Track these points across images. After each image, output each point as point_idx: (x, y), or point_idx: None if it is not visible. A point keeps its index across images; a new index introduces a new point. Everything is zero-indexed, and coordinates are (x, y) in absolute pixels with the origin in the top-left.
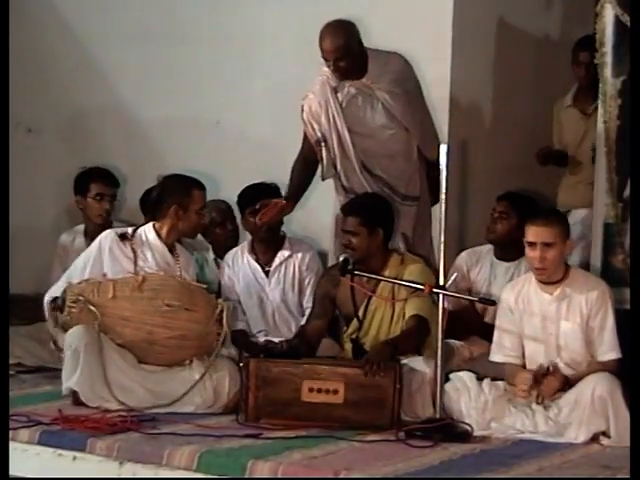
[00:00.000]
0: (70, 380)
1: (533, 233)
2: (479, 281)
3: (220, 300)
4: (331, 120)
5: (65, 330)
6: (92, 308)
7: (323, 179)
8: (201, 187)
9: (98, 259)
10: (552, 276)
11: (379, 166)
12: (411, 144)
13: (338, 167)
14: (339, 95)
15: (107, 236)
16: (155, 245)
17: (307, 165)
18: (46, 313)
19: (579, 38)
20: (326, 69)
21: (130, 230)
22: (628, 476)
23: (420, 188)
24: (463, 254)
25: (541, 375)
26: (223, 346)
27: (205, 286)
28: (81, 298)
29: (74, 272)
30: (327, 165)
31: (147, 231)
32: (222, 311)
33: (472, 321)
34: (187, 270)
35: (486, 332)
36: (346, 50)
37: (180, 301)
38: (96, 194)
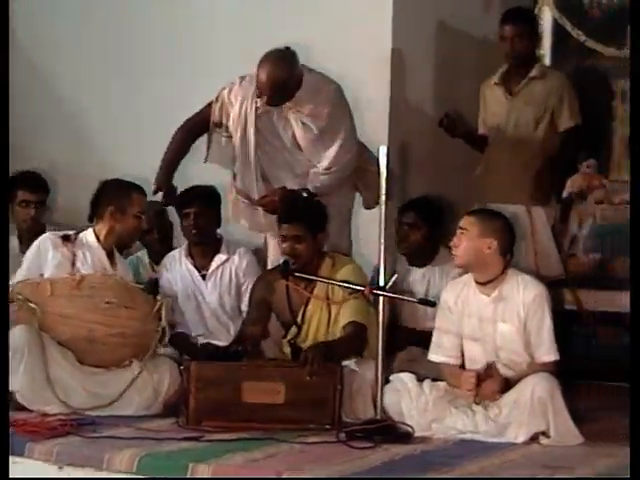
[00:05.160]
0: (12, 381)
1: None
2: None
3: (159, 297)
4: (242, 117)
5: None
6: (32, 305)
7: (205, 161)
8: (140, 191)
9: (36, 262)
10: (471, 269)
11: (279, 182)
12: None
13: (236, 166)
14: (258, 101)
15: (45, 239)
16: (93, 248)
17: (195, 131)
18: None
19: (503, 12)
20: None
21: (73, 233)
22: (567, 476)
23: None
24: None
25: (484, 375)
26: (161, 343)
27: (142, 286)
28: (19, 296)
29: (17, 277)
30: (217, 152)
31: (87, 234)
32: (161, 308)
33: (406, 333)
34: (124, 277)
35: (421, 340)
36: (283, 85)
37: (119, 299)
38: (21, 201)
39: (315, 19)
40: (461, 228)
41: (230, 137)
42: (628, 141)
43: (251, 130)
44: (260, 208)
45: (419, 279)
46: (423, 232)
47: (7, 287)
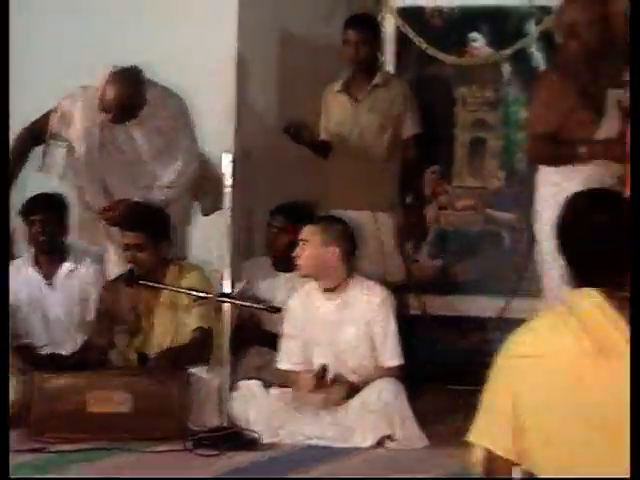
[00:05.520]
0: None
1: None
2: (261, 293)
3: None
4: (85, 130)
5: None
6: None
7: (39, 171)
8: None
9: None
10: (316, 277)
11: (122, 195)
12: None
13: (81, 179)
14: (102, 114)
15: None
16: None
17: (32, 140)
18: None
19: (347, 17)
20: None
21: None
22: (410, 476)
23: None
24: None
25: (321, 377)
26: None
27: None
28: None
29: None
30: (53, 163)
31: None
32: None
33: (253, 331)
34: None
35: (268, 341)
36: (129, 104)
37: None
38: None
39: (161, 23)
40: (303, 240)
41: (68, 148)
42: (630, 144)
43: (95, 144)
44: (102, 220)
45: (283, 284)
46: (291, 237)
47: (7, 283)
